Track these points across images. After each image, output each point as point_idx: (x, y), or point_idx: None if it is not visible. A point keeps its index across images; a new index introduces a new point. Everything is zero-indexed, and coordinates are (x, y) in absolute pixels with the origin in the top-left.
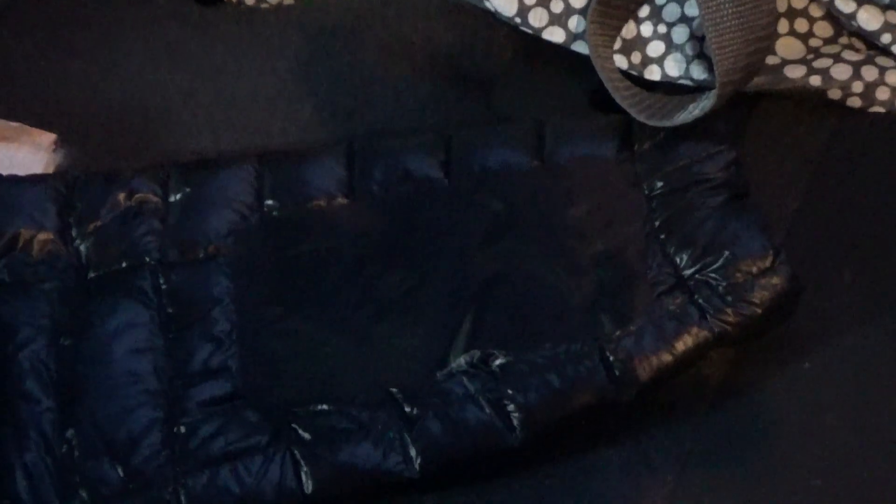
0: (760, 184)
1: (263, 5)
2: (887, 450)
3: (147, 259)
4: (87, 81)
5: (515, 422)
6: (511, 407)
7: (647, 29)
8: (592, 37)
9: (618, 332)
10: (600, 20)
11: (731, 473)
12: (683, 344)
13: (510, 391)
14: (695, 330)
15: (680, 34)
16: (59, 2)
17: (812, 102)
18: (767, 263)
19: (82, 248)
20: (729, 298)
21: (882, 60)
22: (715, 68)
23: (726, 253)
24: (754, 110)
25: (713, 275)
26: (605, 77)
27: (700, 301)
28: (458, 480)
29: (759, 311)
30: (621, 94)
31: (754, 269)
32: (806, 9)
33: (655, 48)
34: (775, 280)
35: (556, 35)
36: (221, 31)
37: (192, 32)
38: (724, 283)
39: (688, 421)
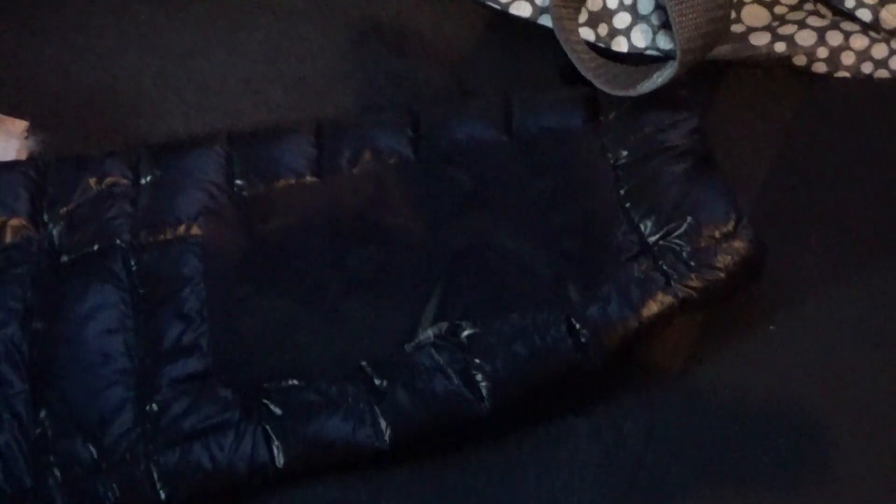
0: (729, 151)
1: None
2: (853, 410)
3: (118, 241)
4: (58, 66)
5: (484, 391)
6: (479, 377)
7: (613, 1)
8: (556, 9)
9: (584, 301)
10: None
11: (699, 438)
12: (649, 310)
13: (478, 361)
14: (660, 296)
15: (645, 4)
16: None
17: (779, 70)
18: (730, 228)
19: (54, 232)
20: (693, 264)
21: (847, 25)
22: (675, 37)
23: (689, 219)
24: (722, 79)
25: (677, 241)
26: (570, 49)
27: (665, 267)
28: (428, 451)
29: (723, 275)
30: (586, 66)
31: (717, 234)
32: None
33: (622, 19)
34: (738, 244)
35: (522, 10)
36: (192, 14)
37: (163, 15)
38: (687, 249)
39: (656, 387)
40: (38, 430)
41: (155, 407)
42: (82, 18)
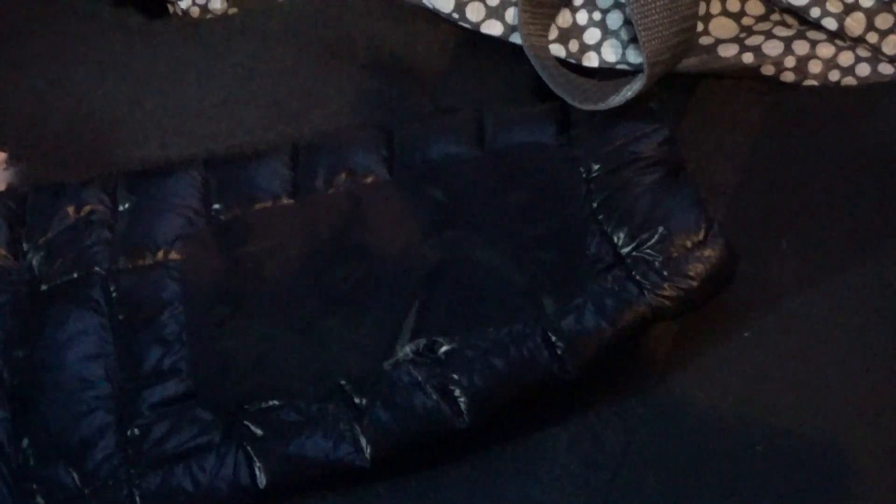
0: (700, 161)
1: (208, 16)
2: (827, 414)
3: (97, 268)
4: (35, 97)
5: (462, 406)
6: (457, 392)
7: (582, 17)
8: (524, 26)
9: (559, 312)
10: (531, 9)
11: (676, 446)
12: (623, 320)
13: (455, 376)
14: (634, 305)
15: (614, 20)
16: (3, 18)
17: (748, 80)
18: (701, 237)
19: (34, 261)
20: (665, 273)
21: (813, 34)
22: (642, 50)
23: (661, 228)
24: (693, 89)
25: (649, 251)
26: (539, 65)
27: (638, 277)
28: (409, 466)
29: (695, 283)
30: (556, 82)
31: (688, 243)
32: None
33: (592, 35)
34: (709, 252)
35: (493, 28)
36: (166, 41)
37: (138, 43)
38: (660, 259)
39: (634, 395)
40: (21, 458)
41: (136, 431)
42: (57, 49)
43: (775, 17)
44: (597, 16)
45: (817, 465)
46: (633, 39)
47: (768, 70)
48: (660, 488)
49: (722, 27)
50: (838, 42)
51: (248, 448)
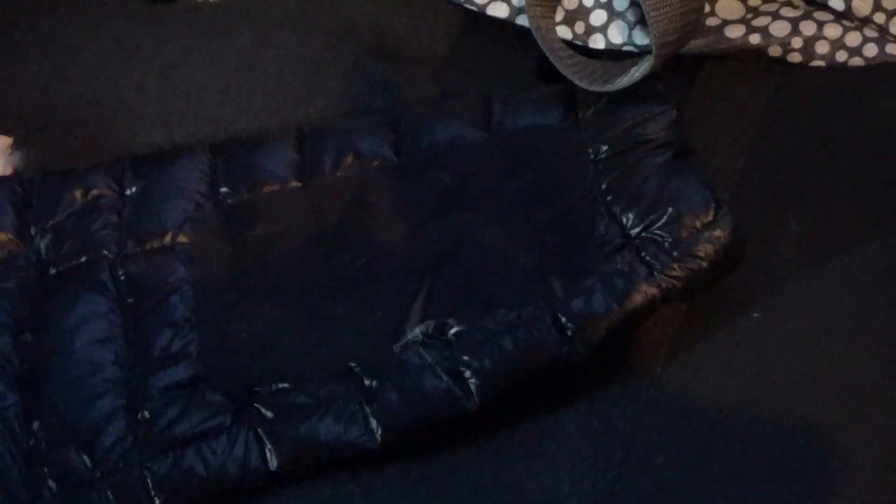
0: (707, 142)
1: (212, 0)
2: (836, 396)
3: (105, 252)
4: (39, 82)
5: (472, 388)
6: (467, 374)
7: None
8: (532, 8)
9: (568, 294)
10: None
11: (686, 427)
12: (633, 301)
13: (466, 358)
14: (643, 286)
15: (620, 1)
16: (7, 4)
17: (755, 61)
18: (710, 217)
19: (41, 245)
20: (675, 254)
21: (820, 15)
22: (650, 31)
23: (670, 209)
24: (699, 71)
25: (659, 231)
26: (547, 47)
27: (647, 258)
28: (419, 448)
29: (705, 264)
30: (564, 63)
31: (698, 224)
32: None
33: (598, 17)
34: (718, 233)
35: (499, 10)
36: (170, 26)
37: (141, 28)
38: (669, 239)
39: (643, 378)
40: (31, 442)
41: (146, 414)
42: (62, 34)
43: None
44: None
45: (826, 447)
46: (640, 21)
47: (775, 51)
48: (669, 469)
49: (728, 8)
50: (845, 23)
51: (259, 431)
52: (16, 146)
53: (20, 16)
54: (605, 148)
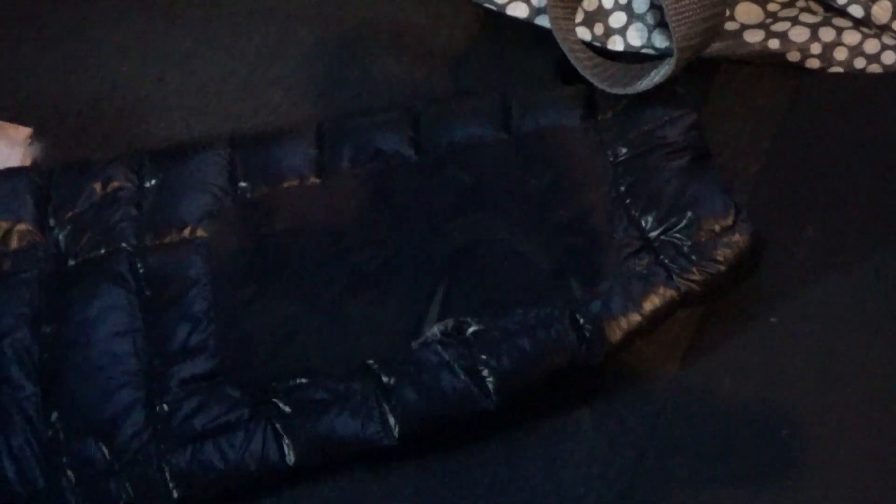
0: (725, 146)
1: None
2: (852, 400)
3: (124, 244)
4: (60, 74)
5: (490, 387)
6: (485, 372)
7: (608, 1)
8: (553, 9)
9: (587, 296)
10: None
11: (701, 430)
12: (651, 304)
13: (484, 357)
14: (661, 289)
15: (640, 4)
16: None
17: (772, 66)
18: (729, 222)
19: (60, 237)
20: (694, 257)
21: (839, 21)
22: (672, 35)
23: (689, 213)
24: (716, 75)
25: (677, 235)
26: (567, 48)
27: (666, 261)
28: (436, 446)
29: (723, 268)
30: (583, 65)
31: (717, 228)
32: None
33: (617, 19)
34: (737, 237)
35: (519, 10)
36: (190, 19)
37: (161, 21)
38: (688, 243)
39: (659, 380)
40: (50, 432)
41: (165, 407)
42: (82, 27)
43: (801, 3)
44: (623, 0)
45: (841, 451)
46: (659, 24)
47: (794, 56)
48: (684, 470)
49: (748, 13)
50: (864, 29)
51: (277, 425)
52: (35, 137)
53: (41, 7)
54: (623, 150)
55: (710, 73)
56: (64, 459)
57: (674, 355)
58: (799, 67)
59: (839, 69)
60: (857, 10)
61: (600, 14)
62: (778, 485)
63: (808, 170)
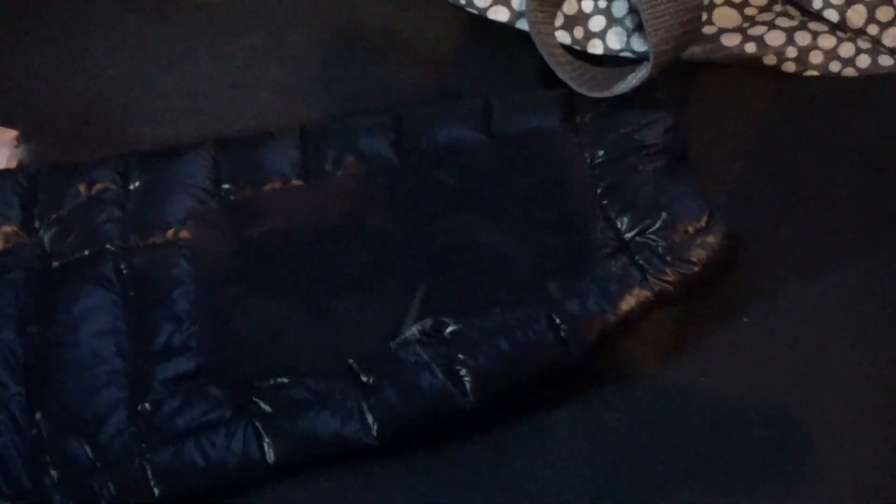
0: (703, 148)
1: None
2: (830, 399)
3: (108, 246)
4: (48, 76)
5: (468, 386)
6: (463, 372)
7: (587, 4)
8: (532, 13)
9: (564, 296)
10: None
11: (678, 429)
12: (626, 304)
13: (462, 356)
14: (636, 290)
15: (619, 8)
16: None
17: (750, 69)
18: (703, 223)
19: (46, 238)
20: (668, 258)
21: (815, 26)
22: (648, 38)
23: (664, 215)
24: (697, 78)
25: (652, 236)
26: (547, 53)
27: (641, 262)
28: (415, 445)
29: (697, 269)
30: (562, 69)
31: (691, 229)
32: None
33: (597, 22)
34: (711, 239)
35: (500, 14)
36: (178, 23)
37: (150, 24)
38: (662, 244)
39: (636, 380)
40: (35, 431)
41: (148, 406)
42: (71, 29)
43: (778, 7)
44: (602, 3)
45: (818, 450)
46: (638, 27)
47: (770, 60)
48: (662, 469)
49: (725, 17)
50: (839, 34)
51: (258, 424)
52: (22, 139)
53: (29, 8)
54: (601, 153)
55: (691, 75)
56: (48, 458)
57: (652, 355)
58: (775, 71)
59: (815, 73)
60: (832, 15)
61: (580, 18)
62: (756, 483)
63: (785, 171)
